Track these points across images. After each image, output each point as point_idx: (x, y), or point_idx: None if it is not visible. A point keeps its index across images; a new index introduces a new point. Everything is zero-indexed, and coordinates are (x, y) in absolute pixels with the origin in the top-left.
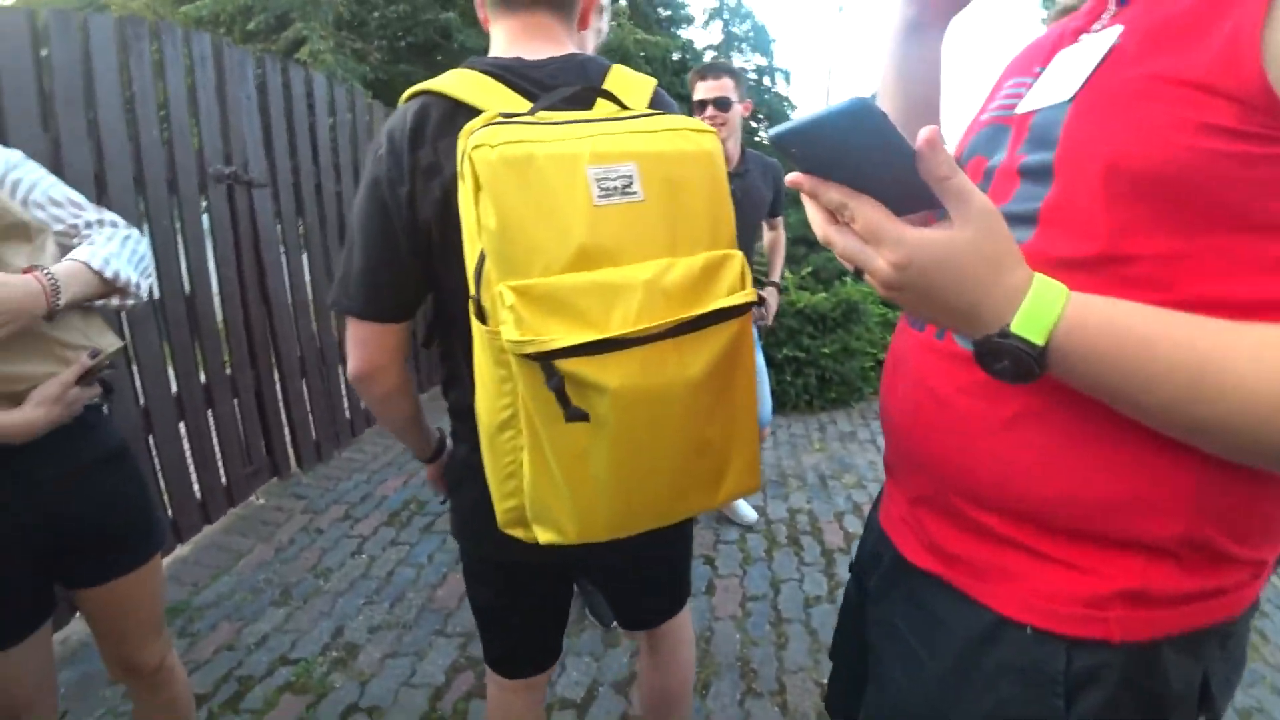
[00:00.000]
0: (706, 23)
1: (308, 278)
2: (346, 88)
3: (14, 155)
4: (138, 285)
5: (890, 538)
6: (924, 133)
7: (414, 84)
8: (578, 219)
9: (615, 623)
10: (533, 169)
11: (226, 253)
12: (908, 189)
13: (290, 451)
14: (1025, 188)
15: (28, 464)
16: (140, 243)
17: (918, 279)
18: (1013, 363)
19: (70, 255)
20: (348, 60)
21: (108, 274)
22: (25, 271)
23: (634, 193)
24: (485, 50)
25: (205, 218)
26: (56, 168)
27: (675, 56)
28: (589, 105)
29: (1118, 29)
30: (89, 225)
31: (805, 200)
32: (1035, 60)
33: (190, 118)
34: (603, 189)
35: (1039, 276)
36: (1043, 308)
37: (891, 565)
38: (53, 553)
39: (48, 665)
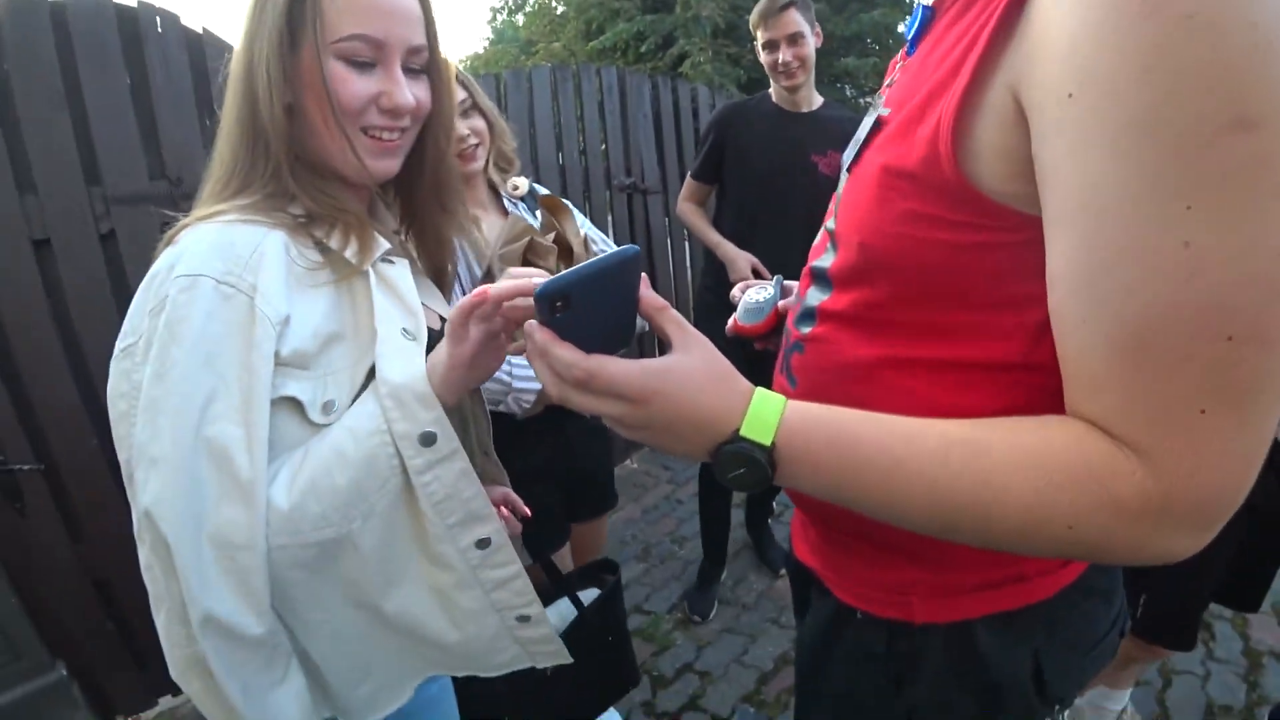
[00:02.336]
0: None
1: (688, 269)
2: (725, 94)
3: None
4: None
5: (792, 539)
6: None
7: None
8: None
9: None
10: None
11: None
12: (617, 329)
13: None
14: (828, 249)
15: (564, 420)
16: None
17: (662, 407)
18: (747, 468)
19: None
20: (723, 66)
21: None
22: None
23: None
24: (850, 40)
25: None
26: None
27: None
28: None
29: (879, 103)
30: None
31: (531, 359)
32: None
33: (600, 135)
34: None
35: (758, 388)
36: (766, 411)
37: (795, 562)
38: (568, 492)
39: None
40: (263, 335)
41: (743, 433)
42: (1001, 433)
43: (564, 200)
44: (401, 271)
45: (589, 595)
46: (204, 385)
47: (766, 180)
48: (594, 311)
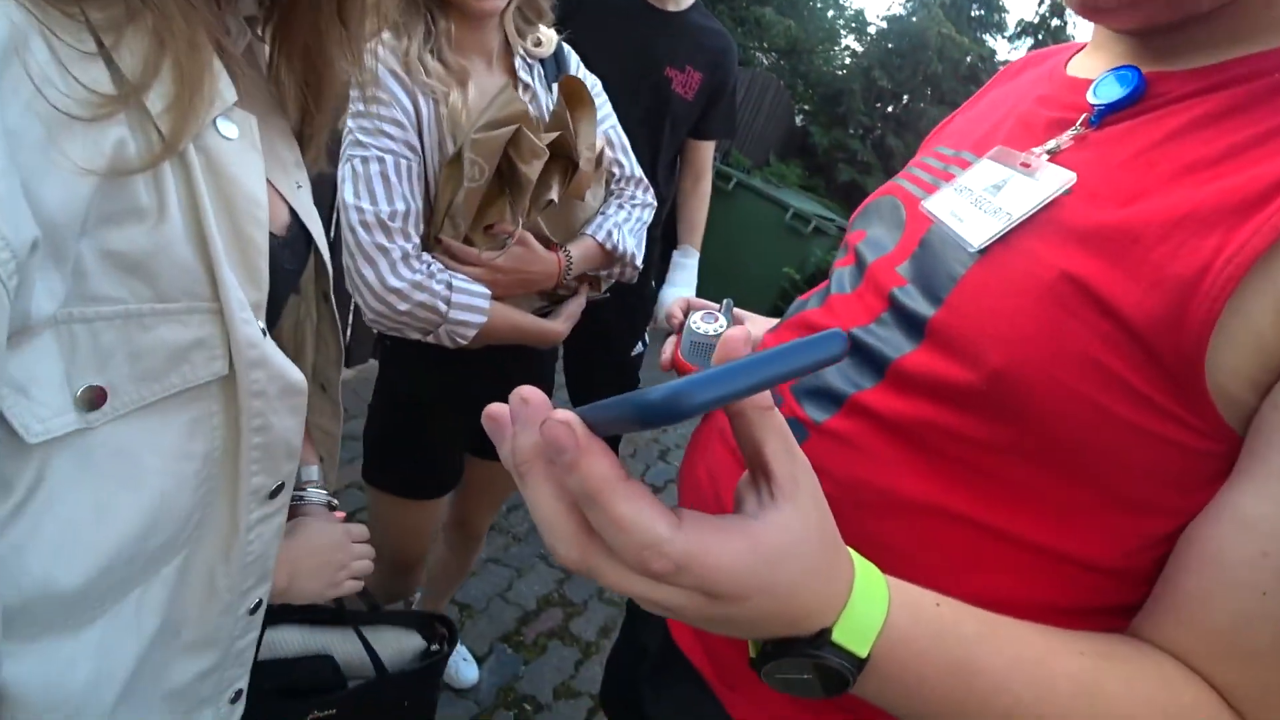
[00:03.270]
0: (1016, 36)
1: None
2: None
3: (596, 81)
4: (634, 256)
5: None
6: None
7: None
8: None
9: None
10: None
11: None
12: None
13: None
14: (889, 325)
15: (510, 360)
16: (647, 211)
17: (758, 605)
18: (816, 676)
19: (590, 229)
20: None
21: (608, 246)
22: (551, 249)
23: None
24: None
25: None
26: None
27: (967, 59)
28: None
29: (1067, 180)
30: (624, 180)
31: (539, 496)
32: (984, 126)
33: None
34: None
35: (859, 564)
36: (869, 608)
37: (665, 642)
38: (480, 432)
39: (436, 522)
40: None
41: (836, 637)
42: (1122, 681)
43: (592, 92)
44: (245, 152)
45: (407, 638)
46: None
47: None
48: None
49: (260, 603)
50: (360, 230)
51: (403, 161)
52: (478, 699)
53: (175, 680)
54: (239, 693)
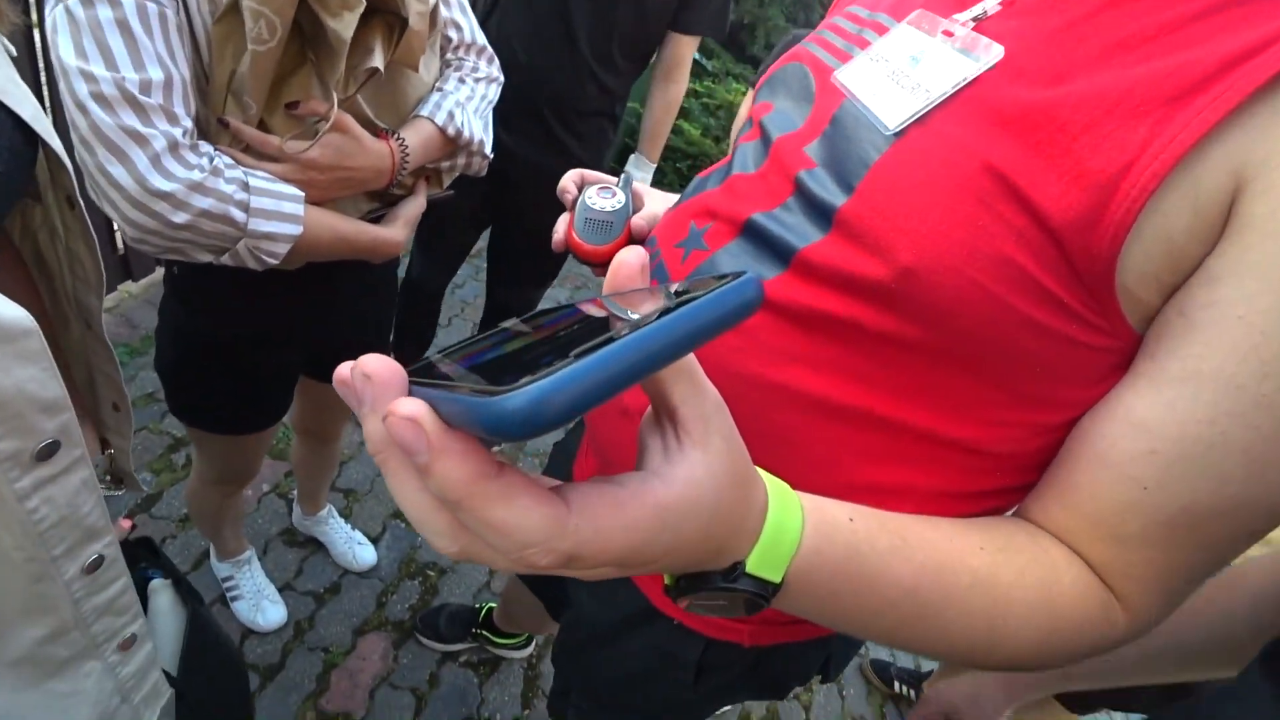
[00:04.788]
0: None
1: None
2: None
3: None
4: (483, 142)
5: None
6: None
7: None
8: None
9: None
10: None
11: None
12: None
13: None
14: (795, 211)
15: (344, 276)
16: (494, 87)
17: (667, 563)
18: (730, 604)
19: (425, 109)
20: None
21: (450, 131)
22: (380, 136)
23: None
24: None
25: None
26: None
27: None
28: None
29: (993, 56)
30: (463, 47)
31: (403, 492)
32: None
33: None
34: None
35: (772, 485)
36: (783, 536)
37: None
38: (319, 353)
39: (266, 443)
40: None
41: (750, 568)
42: (1015, 571)
43: None
44: None
45: None
46: None
47: None
48: None
49: (100, 559)
50: (97, 109)
51: (151, 7)
52: (381, 576)
53: (16, 650)
54: (131, 638)
